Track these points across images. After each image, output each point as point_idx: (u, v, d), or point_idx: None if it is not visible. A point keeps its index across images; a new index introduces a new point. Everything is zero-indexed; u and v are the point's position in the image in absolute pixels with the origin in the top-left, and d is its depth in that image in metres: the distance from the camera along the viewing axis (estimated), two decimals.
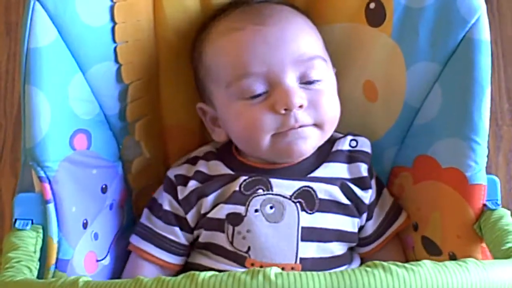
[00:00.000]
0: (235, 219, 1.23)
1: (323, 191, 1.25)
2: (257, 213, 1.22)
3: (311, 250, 1.22)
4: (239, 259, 1.22)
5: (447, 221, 1.22)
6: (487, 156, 1.20)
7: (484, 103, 1.19)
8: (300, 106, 1.20)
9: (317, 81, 1.23)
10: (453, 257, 1.18)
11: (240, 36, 1.23)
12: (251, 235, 1.22)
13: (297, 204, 1.23)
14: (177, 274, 1.24)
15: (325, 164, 1.29)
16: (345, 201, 1.26)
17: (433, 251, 1.24)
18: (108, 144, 1.30)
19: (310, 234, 1.22)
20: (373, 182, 1.31)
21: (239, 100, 1.23)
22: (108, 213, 1.28)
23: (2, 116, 1.84)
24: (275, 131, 1.21)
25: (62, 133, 1.17)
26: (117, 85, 1.27)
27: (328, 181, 1.27)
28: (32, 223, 1.12)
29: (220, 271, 0.94)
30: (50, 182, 1.13)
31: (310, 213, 1.23)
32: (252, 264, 1.21)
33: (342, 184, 1.27)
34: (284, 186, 1.25)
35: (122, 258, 1.30)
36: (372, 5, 1.30)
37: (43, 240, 1.11)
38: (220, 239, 1.24)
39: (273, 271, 0.89)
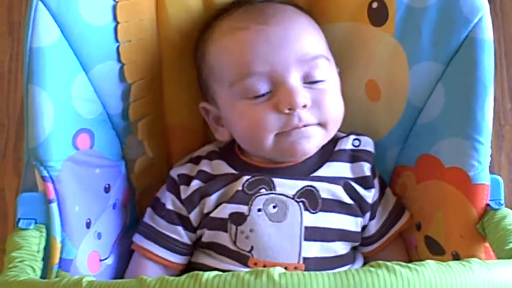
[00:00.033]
0: (238, 218, 1.23)
1: (326, 190, 1.25)
2: (260, 213, 1.22)
3: (314, 249, 1.22)
4: (242, 258, 1.22)
5: (450, 220, 1.22)
6: (490, 156, 1.20)
7: (487, 103, 1.18)
8: (304, 106, 1.20)
9: (321, 80, 1.23)
10: (456, 257, 1.19)
11: (243, 36, 1.23)
12: (254, 234, 1.22)
13: (300, 203, 1.23)
14: (180, 273, 1.25)
15: (328, 164, 1.29)
16: (348, 200, 1.26)
17: (436, 250, 1.24)
18: (111, 144, 1.30)
19: (313, 234, 1.22)
20: (376, 182, 1.31)
21: (243, 100, 1.23)
22: (111, 213, 1.28)
23: (5, 116, 1.84)
24: (278, 130, 1.21)
25: (65, 132, 1.17)
26: (120, 84, 1.27)
27: (331, 181, 1.27)
28: (36, 222, 1.12)
29: (223, 270, 0.94)
30: (53, 182, 1.13)
31: (313, 213, 1.23)
32: (255, 264, 1.21)
33: (345, 184, 1.27)
34: (287, 186, 1.25)
35: (125, 257, 1.30)
36: (374, 5, 1.30)
37: (47, 240, 1.11)
38: (223, 238, 1.24)
39: (277, 271, 0.89)
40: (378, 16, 1.29)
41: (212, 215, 1.25)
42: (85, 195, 1.19)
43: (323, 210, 1.24)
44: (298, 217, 1.23)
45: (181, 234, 1.28)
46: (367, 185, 1.29)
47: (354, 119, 1.35)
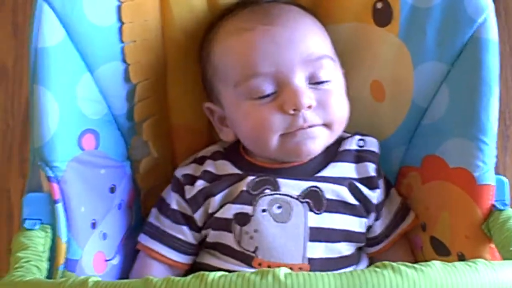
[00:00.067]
0: (243, 219, 1.23)
1: (331, 191, 1.25)
2: (264, 213, 1.22)
3: (319, 250, 1.22)
4: (246, 259, 1.22)
5: (456, 221, 1.22)
6: (495, 157, 1.20)
7: (492, 103, 1.18)
8: (309, 107, 1.20)
9: (326, 81, 1.23)
10: (461, 258, 1.19)
11: (249, 36, 1.23)
12: (259, 235, 1.22)
13: (305, 204, 1.23)
14: (185, 273, 1.25)
15: (332, 164, 1.29)
16: (352, 201, 1.26)
17: (442, 251, 1.24)
18: (116, 144, 1.30)
19: (318, 235, 1.22)
20: (381, 182, 1.31)
21: (248, 100, 1.23)
22: (117, 213, 1.28)
23: (10, 116, 1.84)
24: (283, 131, 1.21)
25: (70, 133, 1.17)
26: (124, 85, 1.27)
27: (335, 181, 1.26)
28: (41, 223, 1.12)
29: (227, 271, 0.94)
30: (58, 182, 1.13)
31: (317, 213, 1.23)
32: (260, 264, 1.21)
33: (350, 184, 1.27)
34: (292, 186, 1.25)
35: (130, 258, 1.30)
36: (379, 5, 1.30)
37: (52, 240, 1.11)
38: (227, 239, 1.24)
39: (283, 271, 0.89)
40: (383, 17, 1.29)
41: (216, 215, 1.25)
42: (90, 196, 1.19)
43: (327, 210, 1.24)
44: (303, 217, 1.23)
45: (186, 234, 1.28)
46: (372, 186, 1.28)
47: (359, 119, 1.35)
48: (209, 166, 1.30)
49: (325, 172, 1.28)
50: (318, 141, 1.24)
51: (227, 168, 1.29)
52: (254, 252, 1.22)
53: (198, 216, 1.27)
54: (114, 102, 1.27)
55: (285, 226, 1.22)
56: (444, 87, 1.25)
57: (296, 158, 1.27)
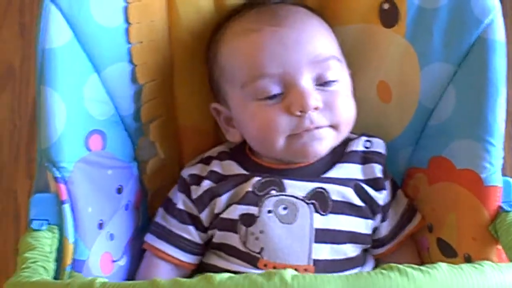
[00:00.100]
0: (248, 219, 1.23)
1: (336, 192, 1.25)
2: (270, 214, 1.22)
3: (324, 251, 1.22)
4: (252, 260, 1.22)
5: (462, 223, 1.22)
6: (502, 158, 1.20)
7: (499, 104, 1.18)
8: (316, 108, 1.20)
9: (333, 82, 1.23)
10: (468, 259, 1.18)
11: (256, 38, 1.23)
12: (264, 236, 1.22)
13: (311, 205, 1.23)
14: (191, 274, 1.25)
15: (338, 165, 1.29)
16: (358, 202, 1.26)
17: (448, 253, 1.24)
18: (123, 145, 1.30)
19: (324, 236, 1.22)
20: (387, 183, 1.30)
21: (254, 101, 1.23)
22: (124, 214, 1.28)
23: (17, 116, 1.85)
24: (290, 132, 1.21)
25: (77, 133, 1.17)
26: (131, 85, 1.27)
27: (341, 182, 1.26)
28: (48, 223, 1.12)
29: (233, 272, 0.95)
30: (65, 183, 1.13)
31: (323, 215, 1.23)
32: (265, 265, 1.21)
33: (356, 186, 1.27)
34: (297, 187, 1.25)
35: (137, 258, 1.31)
36: (385, 6, 1.30)
37: (59, 241, 1.11)
38: (233, 239, 1.24)
39: (290, 273, 0.89)
40: (389, 17, 1.29)
41: (222, 215, 1.25)
42: (97, 196, 1.20)
43: (333, 212, 1.24)
44: (308, 219, 1.23)
45: (192, 234, 1.28)
46: (378, 187, 1.28)
47: (365, 120, 1.34)
48: (216, 166, 1.30)
49: (331, 173, 1.28)
50: (324, 142, 1.24)
51: (233, 168, 1.30)
52: (259, 253, 1.22)
53: (204, 216, 1.27)
54: (121, 103, 1.27)
55: (290, 227, 1.22)
56: (451, 88, 1.25)
57: (302, 159, 1.27)
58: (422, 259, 1.34)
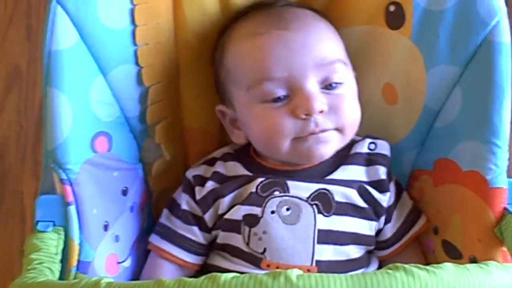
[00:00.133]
0: (252, 220, 1.23)
1: (340, 193, 1.25)
2: (273, 215, 1.23)
3: (327, 252, 1.22)
4: (255, 260, 1.22)
5: (468, 224, 1.21)
6: (508, 160, 1.20)
7: (505, 106, 1.18)
8: (321, 111, 1.20)
9: (338, 85, 1.23)
10: (473, 261, 1.18)
11: (262, 41, 1.23)
12: (267, 236, 1.22)
13: (314, 206, 1.23)
14: (195, 275, 1.25)
15: (343, 167, 1.29)
16: (362, 204, 1.26)
17: (454, 254, 1.24)
18: (129, 147, 1.30)
19: (327, 237, 1.22)
20: (391, 185, 1.31)
21: (260, 103, 1.23)
22: (129, 216, 1.28)
23: (24, 118, 1.85)
24: (295, 135, 1.21)
25: (83, 135, 1.18)
26: (137, 87, 1.27)
27: (345, 184, 1.26)
28: (54, 225, 1.12)
29: (236, 272, 0.94)
30: (71, 184, 1.14)
31: (326, 216, 1.23)
32: (268, 266, 1.21)
33: (360, 187, 1.27)
34: (301, 188, 1.25)
35: (142, 260, 1.31)
36: (391, 8, 1.30)
37: (65, 242, 1.11)
38: (236, 240, 1.24)
39: (295, 273, 0.90)
40: (395, 19, 1.29)
41: (226, 216, 1.26)
42: (103, 198, 1.20)
43: (337, 213, 1.24)
44: (312, 219, 1.23)
45: (196, 234, 1.28)
46: (382, 189, 1.28)
47: (371, 122, 1.34)
48: (219, 167, 1.30)
49: (335, 175, 1.28)
50: (330, 145, 1.24)
51: (237, 169, 1.30)
52: (262, 253, 1.22)
53: (208, 217, 1.27)
54: (127, 105, 1.28)
55: (293, 228, 1.22)
56: (456, 90, 1.25)
57: (307, 161, 1.27)
58: (427, 261, 1.33)
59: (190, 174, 1.31)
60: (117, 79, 1.24)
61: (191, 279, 0.91)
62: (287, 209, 1.23)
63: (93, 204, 1.17)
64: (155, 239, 1.29)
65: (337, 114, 1.23)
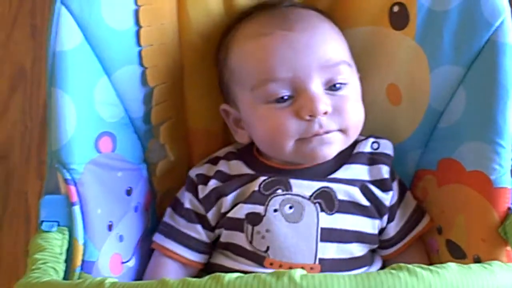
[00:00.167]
0: (254, 219, 1.23)
1: (343, 192, 1.25)
2: (276, 213, 1.23)
3: (330, 250, 1.22)
4: (258, 259, 1.23)
5: (472, 224, 1.21)
6: None
7: (509, 106, 1.18)
8: (325, 113, 1.20)
9: (342, 86, 1.23)
10: (477, 261, 1.17)
11: (267, 41, 1.23)
12: (270, 234, 1.22)
13: (317, 204, 1.23)
14: (198, 273, 1.26)
15: (346, 166, 1.29)
16: (365, 202, 1.26)
17: (458, 254, 1.24)
18: (133, 147, 1.31)
19: (330, 235, 1.23)
20: (394, 184, 1.31)
21: (264, 104, 1.23)
22: (133, 216, 1.28)
23: (28, 118, 1.85)
24: (299, 136, 1.22)
25: (87, 135, 1.18)
26: (142, 88, 1.28)
27: (348, 182, 1.27)
28: (58, 225, 1.12)
29: (240, 271, 0.95)
30: (75, 185, 1.14)
31: (329, 214, 1.23)
32: (271, 264, 1.22)
33: (362, 186, 1.27)
34: (304, 187, 1.25)
35: (146, 260, 1.31)
36: (395, 8, 1.30)
37: (69, 242, 1.12)
38: (239, 239, 1.24)
39: (298, 273, 0.90)
40: (399, 20, 1.29)
41: (229, 215, 1.26)
42: (107, 198, 1.20)
43: (339, 211, 1.24)
44: (315, 218, 1.23)
45: (199, 233, 1.28)
46: (385, 188, 1.28)
47: (375, 123, 1.35)
48: (223, 166, 1.31)
49: (338, 174, 1.28)
50: (333, 146, 1.24)
51: (240, 168, 1.30)
52: (265, 252, 1.22)
53: (211, 215, 1.27)
54: (131, 106, 1.28)
55: (296, 226, 1.22)
56: (461, 90, 1.25)
57: (311, 162, 1.27)
58: (431, 260, 1.33)
59: (193, 173, 1.31)
60: (122, 80, 1.24)
61: (194, 279, 0.92)
62: (290, 208, 1.23)
63: (97, 204, 1.17)
64: (158, 238, 1.29)
65: (341, 115, 1.23)
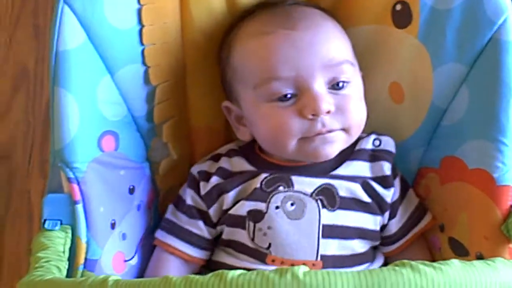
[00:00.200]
0: (256, 215, 1.24)
1: (344, 188, 1.26)
2: (277, 210, 1.23)
3: (332, 247, 1.23)
4: (260, 255, 1.23)
5: (475, 222, 1.21)
6: None
7: None
8: (328, 112, 1.20)
9: (345, 85, 1.23)
10: (480, 258, 1.17)
11: (269, 40, 1.23)
12: (272, 231, 1.22)
13: (318, 201, 1.24)
14: (200, 270, 1.26)
15: (347, 163, 1.29)
16: (366, 199, 1.27)
17: (460, 252, 1.24)
18: (136, 146, 1.31)
19: (331, 232, 1.23)
20: (396, 181, 1.31)
21: (267, 102, 1.23)
22: (136, 214, 1.28)
23: (31, 118, 1.85)
24: (302, 135, 1.22)
25: (90, 134, 1.18)
26: (144, 87, 1.28)
27: (349, 179, 1.27)
28: (61, 223, 1.12)
29: (241, 268, 0.95)
30: (78, 183, 1.14)
31: (331, 210, 1.24)
32: (273, 261, 1.22)
33: (364, 182, 1.27)
34: (305, 183, 1.25)
35: (149, 258, 1.31)
36: (398, 7, 1.30)
37: (72, 240, 1.12)
38: (241, 236, 1.25)
39: (302, 269, 0.90)
40: (402, 18, 1.29)
41: (230, 212, 1.26)
42: (110, 196, 1.20)
43: (341, 208, 1.24)
44: (316, 214, 1.23)
45: (201, 229, 1.29)
46: (386, 184, 1.28)
47: (377, 121, 1.35)
48: (224, 163, 1.31)
49: (340, 171, 1.28)
50: (336, 145, 1.24)
51: (241, 165, 1.30)
52: (267, 249, 1.22)
53: (212, 211, 1.28)
54: (134, 104, 1.28)
55: (298, 223, 1.22)
56: (463, 89, 1.25)
57: (313, 160, 1.27)
58: (433, 258, 1.33)
59: (195, 170, 1.32)
60: (124, 79, 1.24)
61: (198, 277, 0.92)
62: (292, 204, 1.23)
63: (100, 202, 1.17)
64: (160, 234, 1.30)
65: (343, 114, 1.23)
